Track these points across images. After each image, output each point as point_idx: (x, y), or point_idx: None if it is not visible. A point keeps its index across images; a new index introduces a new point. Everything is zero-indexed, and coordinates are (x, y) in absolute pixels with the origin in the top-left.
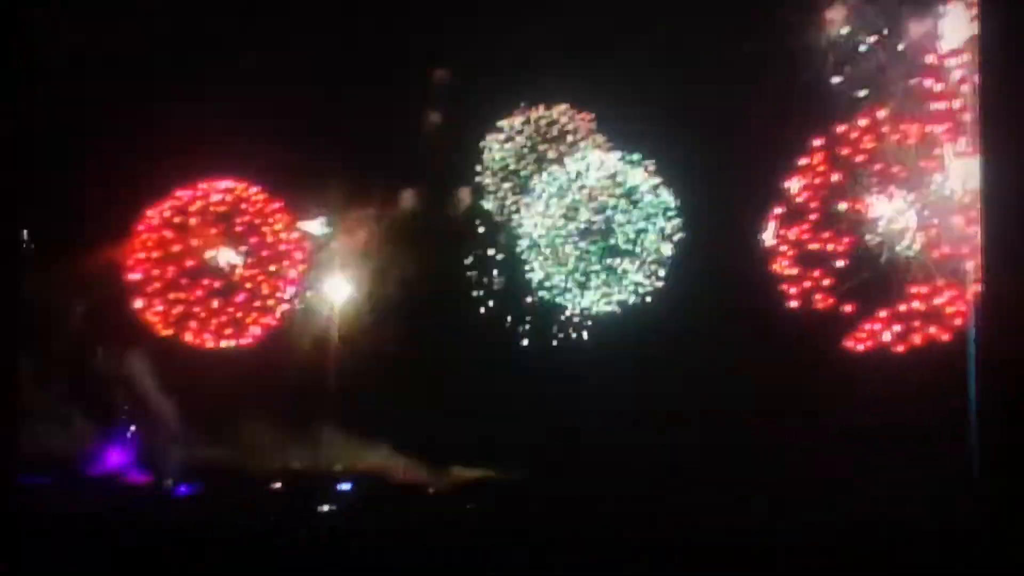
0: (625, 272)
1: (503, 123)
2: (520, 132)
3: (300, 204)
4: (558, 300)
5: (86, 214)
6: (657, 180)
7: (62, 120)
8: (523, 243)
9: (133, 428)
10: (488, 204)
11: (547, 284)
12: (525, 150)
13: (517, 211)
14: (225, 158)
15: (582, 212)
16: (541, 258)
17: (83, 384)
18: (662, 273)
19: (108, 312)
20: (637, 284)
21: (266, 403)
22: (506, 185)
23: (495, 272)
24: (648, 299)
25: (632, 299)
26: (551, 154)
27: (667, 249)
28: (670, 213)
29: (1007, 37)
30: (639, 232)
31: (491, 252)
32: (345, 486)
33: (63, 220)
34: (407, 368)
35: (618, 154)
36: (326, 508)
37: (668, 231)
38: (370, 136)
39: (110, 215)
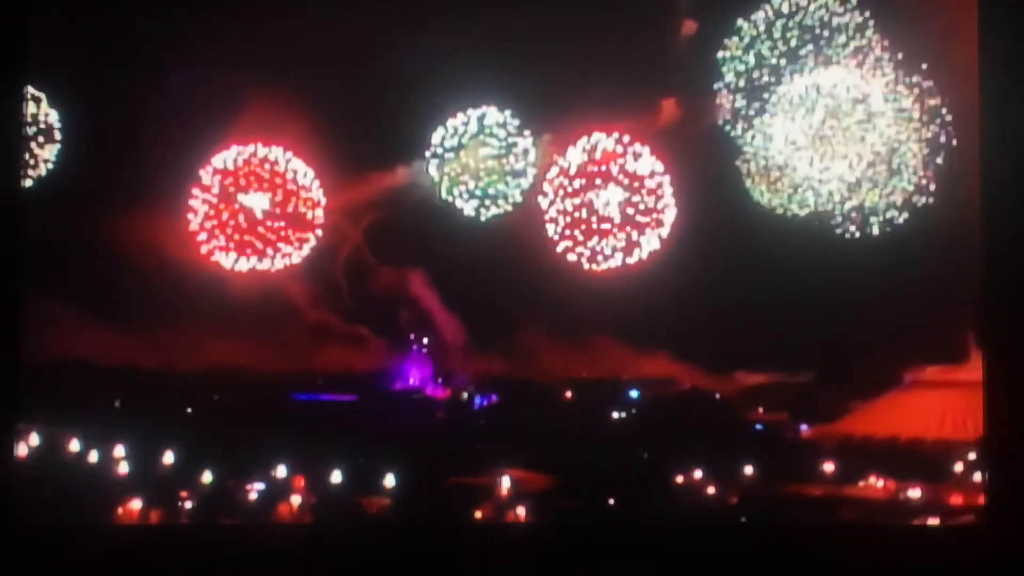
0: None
1: (743, 23)
2: (767, 33)
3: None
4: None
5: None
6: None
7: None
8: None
9: (427, 343)
10: (731, 128)
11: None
12: (774, 56)
13: (762, 134)
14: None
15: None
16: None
17: (372, 303)
18: (933, 188)
19: (394, 232)
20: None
21: (550, 313)
22: (755, 104)
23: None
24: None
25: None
26: (808, 62)
27: (939, 158)
28: (939, 121)
29: (1007, 37)
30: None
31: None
32: (633, 393)
33: (352, 143)
34: (691, 276)
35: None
36: (616, 415)
37: (941, 140)
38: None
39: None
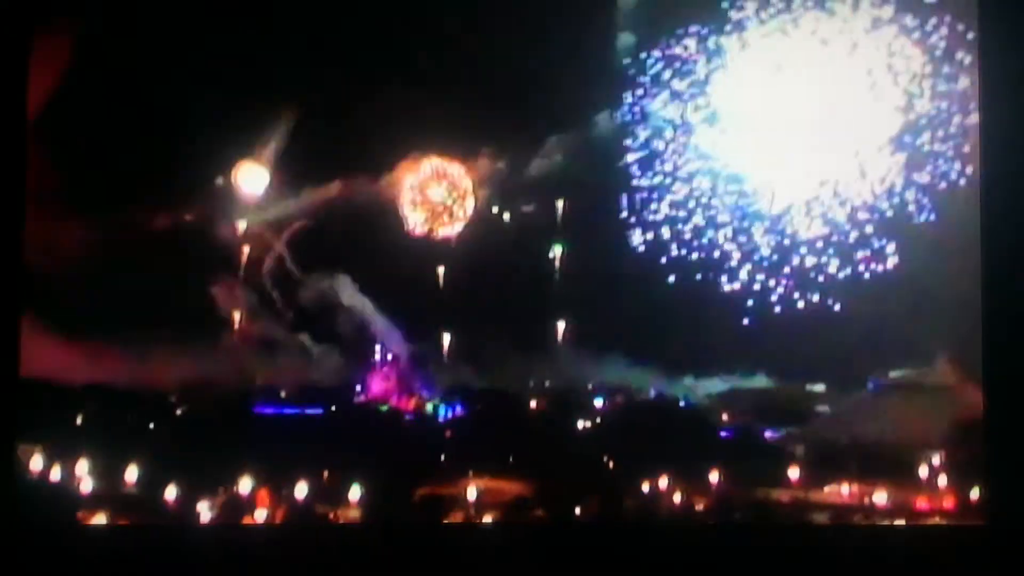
0: None
1: None
2: None
3: None
4: None
5: None
6: None
7: None
8: None
9: (389, 355)
10: None
11: None
12: None
13: None
14: None
15: None
16: None
17: (315, 314)
18: None
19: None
20: None
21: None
22: None
23: None
24: None
25: None
26: None
27: None
28: None
29: (1007, 37)
30: None
31: None
32: (599, 401)
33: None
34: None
35: None
36: (582, 424)
37: None
38: None
39: None
